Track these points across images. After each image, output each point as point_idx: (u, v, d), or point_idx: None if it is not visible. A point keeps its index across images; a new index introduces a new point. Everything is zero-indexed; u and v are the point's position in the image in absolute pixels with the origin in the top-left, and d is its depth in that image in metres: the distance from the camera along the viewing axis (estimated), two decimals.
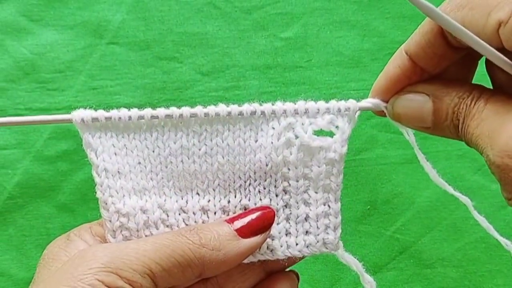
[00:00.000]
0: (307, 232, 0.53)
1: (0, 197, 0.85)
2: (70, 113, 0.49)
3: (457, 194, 0.56)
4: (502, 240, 0.56)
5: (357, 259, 0.55)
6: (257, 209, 0.51)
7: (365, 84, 0.89)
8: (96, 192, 0.50)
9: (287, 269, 0.57)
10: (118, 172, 0.50)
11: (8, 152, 0.86)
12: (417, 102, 0.46)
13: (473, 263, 0.87)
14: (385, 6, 0.91)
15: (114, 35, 0.88)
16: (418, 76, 0.47)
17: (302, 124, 0.52)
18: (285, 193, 0.53)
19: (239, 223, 0.49)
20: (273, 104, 0.51)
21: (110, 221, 0.50)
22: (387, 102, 0.50)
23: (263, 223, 0.50)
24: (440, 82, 0.46)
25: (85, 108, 0.49)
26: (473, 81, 0.48)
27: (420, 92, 0.46)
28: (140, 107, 0.91)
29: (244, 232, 0.49)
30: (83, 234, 0.51)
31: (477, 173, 0.86)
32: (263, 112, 0.51)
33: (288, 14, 0.90)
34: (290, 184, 0.53)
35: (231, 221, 0.50)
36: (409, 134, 0.53)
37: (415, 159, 0.48)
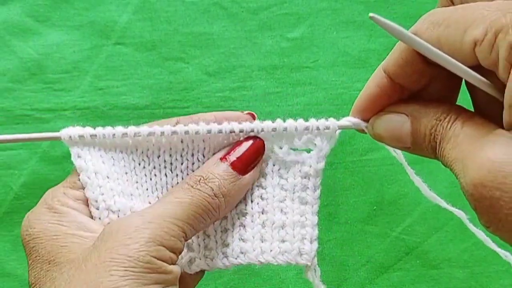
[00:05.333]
0: (283, 240, 0.53)
1: (6, 197, 0.85)
2: (58, 130, 0.52)
3: (450, 208, 0.56)
4: (501, 252, 0.55)
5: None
6: (246, 140, 0.53)
7: None
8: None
9: None
10: (107, 176, 0.52)
11: (14, 153, 0.86)
12: (396, 123, 0.45)
13: (479, 264, 0.87)
14: (391, 6, 0.91)
15: (120, 35, 0.88)
16: (398, 94, 0.46)
17: (279, 141, 0.53)
18: (262, 199, 0.54)
19: (232, 157, 0.52)
20: (251, 123, 0.53)
21: (99, 218, 0.51)
22: (367, 121, 0.49)
23: (256, 154, 0.53)
24: (419, 101, 0.45)
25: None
26: (463, 99, 0.47)
27: (399, 112, 0.45)
28: (147, 107, 0.91)
29: (240, 168, 0.52)
30: (66, 201, 0.51)
31: None
32: (241, 131, 0.52)
33: (295, 15, 0.90)
34: (266, 192, 0.54)
35: (225, 158, 0.52)
36: (396, 152, 0.53)
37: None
